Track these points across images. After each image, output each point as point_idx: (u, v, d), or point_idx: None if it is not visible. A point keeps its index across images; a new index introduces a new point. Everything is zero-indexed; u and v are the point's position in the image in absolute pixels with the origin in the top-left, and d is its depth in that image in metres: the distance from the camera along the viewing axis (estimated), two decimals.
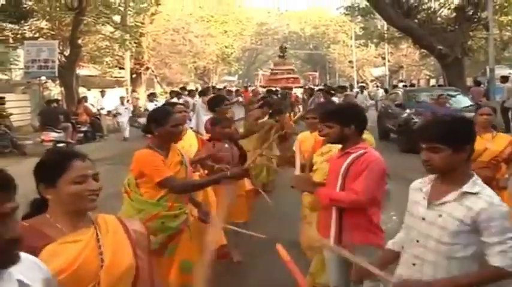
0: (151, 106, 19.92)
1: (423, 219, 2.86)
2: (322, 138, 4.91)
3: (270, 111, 10.09)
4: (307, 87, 30.53)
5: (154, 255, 3.54)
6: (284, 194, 8.25)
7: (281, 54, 28.83)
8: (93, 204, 2.32)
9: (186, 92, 23.34)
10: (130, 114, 22.82)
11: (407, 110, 15.84)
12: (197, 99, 19.68)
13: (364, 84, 35.10)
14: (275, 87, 23.81)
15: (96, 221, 2.36)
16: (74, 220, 2.29)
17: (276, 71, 27.06)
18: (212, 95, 18.96)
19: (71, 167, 2.28)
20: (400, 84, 33.25)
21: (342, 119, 4.00)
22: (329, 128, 4.05)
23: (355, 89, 27.02)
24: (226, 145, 6.05)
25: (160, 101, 23.04)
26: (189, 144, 5.79)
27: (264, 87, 24.21)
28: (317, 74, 58.99)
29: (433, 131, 2.85)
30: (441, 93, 15.57)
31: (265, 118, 9.87)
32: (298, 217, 5.79)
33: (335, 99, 16.07)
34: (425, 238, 2.84)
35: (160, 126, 4.18)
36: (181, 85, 32.99)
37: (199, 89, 29.97)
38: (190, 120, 19.34)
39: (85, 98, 22.45)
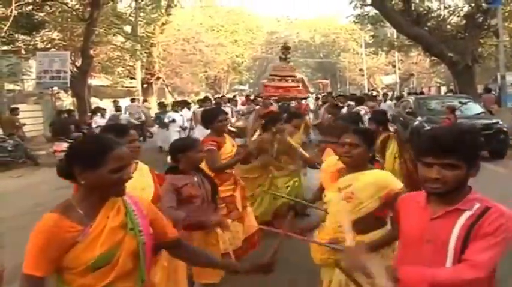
0: (179, 119, 18.54)
1: None
2: (340, 167, 3.79)
3: (263, 121, 8.32)
4: (317, 95, 30.32)
5: None
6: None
7: (283, 56, 24.87)
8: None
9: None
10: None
11: (419, 118, 15.78)
12: (196, 109, 18.71)
13: (386, 91, 34.46)
14: (272, 97, 21.04)
15: None
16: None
17: (274, 77, 23.58)
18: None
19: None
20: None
21: (470, 154, 2.49)
22: (450, 169, 2.45)
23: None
24: (196, 178, 4.51)
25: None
26: (141, 187, 3.77)
27: (262, 97, 21.15)
28: (328, 81, 58.93)
29: None
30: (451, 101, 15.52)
31: (258, 131, 8.27)
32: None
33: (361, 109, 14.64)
34: None
35: (90, 169, 2.37)
36: (192, 94, 33.06)
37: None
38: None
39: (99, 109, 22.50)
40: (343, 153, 3.62)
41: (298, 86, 23.06)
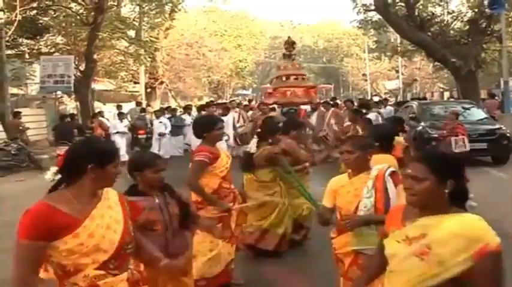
0: (158, 126, 18.59)
1: None
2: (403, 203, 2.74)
3: (258, 130, 7.21)
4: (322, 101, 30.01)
5: None
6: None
7: (287, 52, 22.45)
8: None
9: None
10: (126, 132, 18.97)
11: (422, 123, 15.74)
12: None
13: (387, 96, 34.03)
14: (277, 102, 19.62)
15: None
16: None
17: (282, 77, 21.10)
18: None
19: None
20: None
21: None
22: None
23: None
24: (157, 200, 3.77)
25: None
26: (104, 224, 2.67)
27: (266, 103, 19.25)
28: (331, 86, 58.92)
29: None
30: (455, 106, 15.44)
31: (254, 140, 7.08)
32: None
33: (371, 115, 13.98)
34: None
35: None
36: (195, 99, 33.02)
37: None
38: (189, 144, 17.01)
39: (101, 113, 22.54)
40: (406, 190, 2.58)
41: (309, 87, 21.76)
